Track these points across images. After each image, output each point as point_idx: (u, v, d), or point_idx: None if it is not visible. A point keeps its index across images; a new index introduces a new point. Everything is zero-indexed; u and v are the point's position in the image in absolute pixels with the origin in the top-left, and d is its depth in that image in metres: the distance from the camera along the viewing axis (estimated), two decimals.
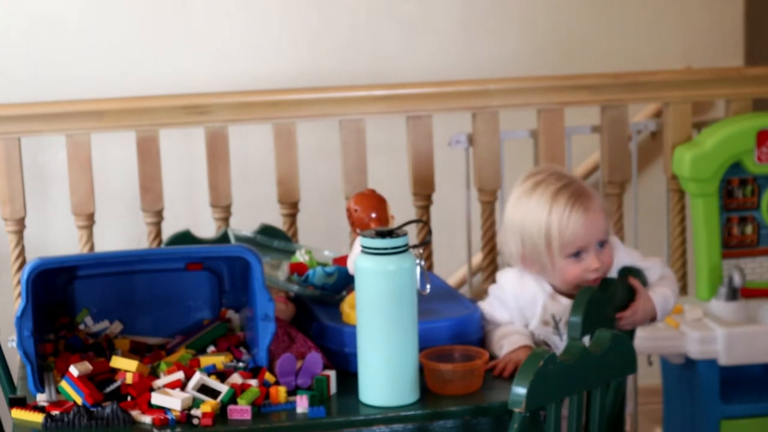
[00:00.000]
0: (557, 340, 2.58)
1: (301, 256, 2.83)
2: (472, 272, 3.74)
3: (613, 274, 2.61)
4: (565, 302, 2.57)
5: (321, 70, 4.11)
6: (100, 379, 2.34)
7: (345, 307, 2.53)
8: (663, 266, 2.67)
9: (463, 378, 2.33)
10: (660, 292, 2.59)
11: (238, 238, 2.93)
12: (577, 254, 2.53)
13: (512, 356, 2.47)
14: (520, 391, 2.11)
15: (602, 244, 2.54)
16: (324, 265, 2.79)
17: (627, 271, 2.62)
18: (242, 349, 2.52)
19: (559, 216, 2.50)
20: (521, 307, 2.59)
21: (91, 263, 2.59)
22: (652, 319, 2.59)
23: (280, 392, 2.30)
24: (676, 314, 3.37)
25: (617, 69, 3.95)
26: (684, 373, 3.36)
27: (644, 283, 2.63)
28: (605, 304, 2.49)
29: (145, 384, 2.31)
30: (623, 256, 2.62)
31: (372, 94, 3.49)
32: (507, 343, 2.51)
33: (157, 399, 2.26)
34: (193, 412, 2.24)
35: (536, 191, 2.53)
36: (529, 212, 2.53)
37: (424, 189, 3.52)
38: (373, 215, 2.56)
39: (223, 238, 3.02)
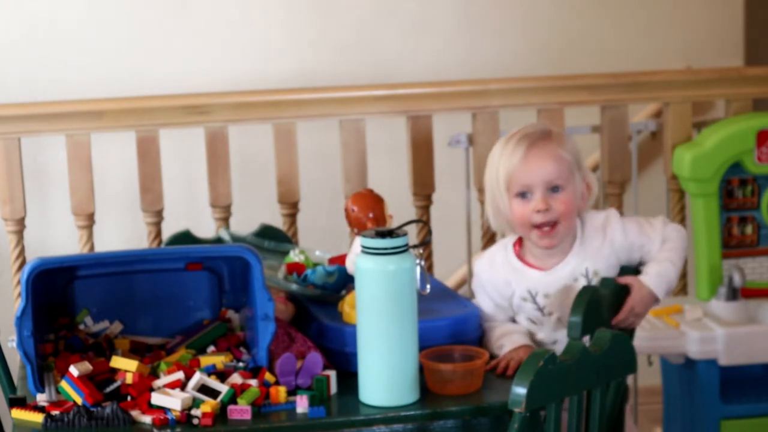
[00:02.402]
0: (540, 316, 2.58)
1: (295, 256, 2.83)
2: (472, 272, 3.74)
3: (612, 272, 2.60)
4: (536, 274, 2.58)
5: (321, 70, 4.11)
6: (100, 379, 2.34)
7: (345, 306, 2.53)
8: (665, 227, 2.62)
9: (463, 378, 2.33)
10: (654, 271, 2.56)
11: (233, 239, 2.94)
12: (524, 195, 2.54)
13: (513, 354, 2.47)
14: (520, 391, 2.11)
15: (555, 189, 2.53)
16: (318, 264, 2.79)
17: (622, 271, 2.62)
18: (242, 349, 2.52)
19: (505, 153, 2.55)
20: (498, 291, 2.61)
21: (91, 263, 2.59)
22: (656, 300, 2.58)
23: (280, 392, 2.30)
24: (676, 314, 3.37)
25: (617, 69, 3.95)
26: (684, 373, 3.36)
27: (636, 273, 2.62)
28: (605, 304, 2.49)
29: (145, 384, 2.31)
30: (618, 234, 2.59)
31: (372, 94, 3.49)
32: (508, 342, 2.52)
33: (157, 399, 2.26)
34: (193, 412, 2.24)
35: (501, 140, 2.59)
36: (490, 157, 2.60)
37: (424, 189, 3.53)
38: (371, 215, 2.56)
39: (217, 241, 3.02)
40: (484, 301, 2.64)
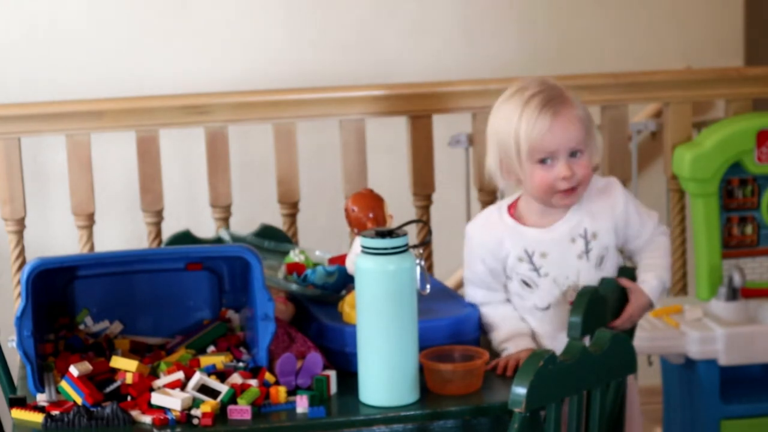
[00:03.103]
0: (535, 277, 2.56)
1: (295, 256, 2.83)
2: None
3: (609, 238, 2.59)
4: (533, 232, 2.56)
5: (321, 70, 4.11)
6: (100, 379, 2.34)
7: (345, 306, 2.53)
8: (657, 228, 2.63)
9: (463, 378, 2.33)
10: (653, 283, 2.57)
11: (233, 239, 2.94)
12: (546, 161, 2.51)
13: (514, 356, 2.47)
14: (520, 391, 2.11)
15: (575, 154, 2.51)
16: (318, 264, 2.79)
17: (621, 272, 2.62)
18: (242, 349, 2.52)
19: (528, 119, 2.49)
20: (492, 252, 2.56)
21: (91, 263, 2.59)
22: (649, 308, 2.59)
23: (280, 392, 2.30)
24: (676, 314, 3.37)
25: (617, 69, 3.95)
26: (684, 373, 3.36)
27: (632, 278, 2.62)
28: (604, 304, 2.49)
29: (145, 384, 2.31)
30: (620, 199, 2.59)
31: (372, 94, 3.49)
32: (512, 345, 2.51)
33: (157, 399, 2.26)
34: (193, 412, 2.24)
35: (513, 97, 2.53)
36: (503, 117, 2.53)
37: (424, 189, 3.53)
38: (371, 215, 2.56)
39: (217, 241, 3.02)
40: (477, 266, 2.59)
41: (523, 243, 2.56)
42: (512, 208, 2.61)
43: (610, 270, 2.59)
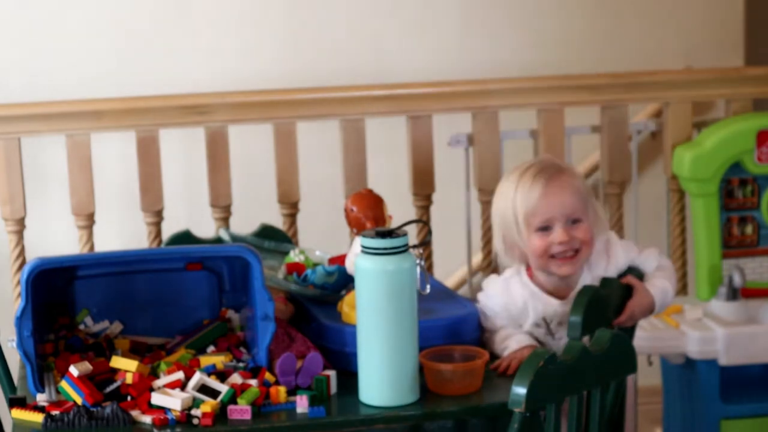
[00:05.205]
0: (550, 340, 2.59)
1: (295, 256, 2.83)
2: (472, 272, 3.74)
3: (613, 273, 2.61)
4: (554, 302, 2.58)
5: (321, 70, 4.11)
6: (100, 379, 2.34)
7: (345, 306, 2.53)
8: (660, 256, 2.67)
9: (463, 378, 2.33)
10: (659, 285, 2.60)
11: (233, 239, 2.94)
12: (545, 229, 2.54)
13: (517, 354, 2.47)
14: (520, 391, 2.11)
15: (575, 221, 2.54)
16: (318, 264, 2.79)
17: (626, 273, 2.62)
18: (242, 349, 2.52)
19: (522, 188, 2.54)
20: (512, 316, 2.60)
21: (91, 263, 2.59)
22: (650, 311, 2.60)
23: (280, 392, 2.30)
24: (676, 314, 3.37)
25: (617, 69, 3.95)
26: (684, 373, 3.36)
27: (640, 278, 2.63)
28: (605, 304, 2.49)
29: (145, 384, 2.31)
30: (620, 253, 2.62)
31: (372, 94, 3.49)
32: (513, 342, 2.52)
33: (157, 399, 2.26)
34: (193, 412, 2.24)
35: (510, 175, 2.59)
36: (502, 194, 2.59)
37: (424, 189, 3.52)
38: (371, 215, 2.56)
39: (217, 241, 3.02)
40: (496, 318, 2.62)
41: (542, 311, 2.59)
42: (529, 272, 2.64)
43: None
